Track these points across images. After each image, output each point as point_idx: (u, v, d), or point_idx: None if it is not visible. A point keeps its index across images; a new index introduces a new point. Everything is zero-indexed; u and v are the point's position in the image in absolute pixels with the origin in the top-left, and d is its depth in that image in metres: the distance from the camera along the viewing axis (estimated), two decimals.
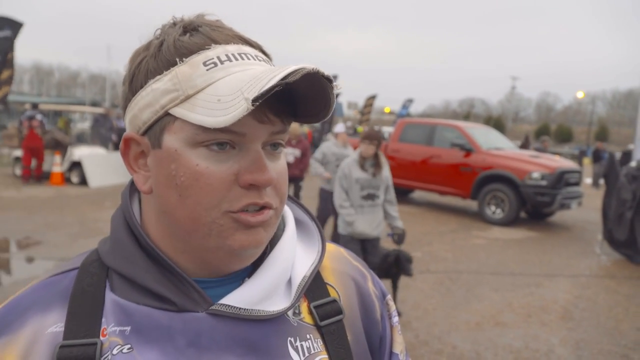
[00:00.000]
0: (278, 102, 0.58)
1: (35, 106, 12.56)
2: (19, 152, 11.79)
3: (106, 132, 13.72)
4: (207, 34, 0.60)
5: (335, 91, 0.58)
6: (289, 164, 6.94)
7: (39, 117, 11.68)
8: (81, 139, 12.49)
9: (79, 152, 11.34)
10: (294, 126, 7.12)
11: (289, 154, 7.22)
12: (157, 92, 0.58)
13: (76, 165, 11.29)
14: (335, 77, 0.61)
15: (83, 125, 17.06)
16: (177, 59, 0.58)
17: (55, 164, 11.22)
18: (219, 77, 0.56)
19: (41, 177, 11.47)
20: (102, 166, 11.43)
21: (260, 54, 0.62)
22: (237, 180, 0.58)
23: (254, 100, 0.51)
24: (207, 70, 0.57)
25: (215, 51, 0.58)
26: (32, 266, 5.52)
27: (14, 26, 6.43)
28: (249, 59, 0.60)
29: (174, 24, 0.62)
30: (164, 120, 0.58)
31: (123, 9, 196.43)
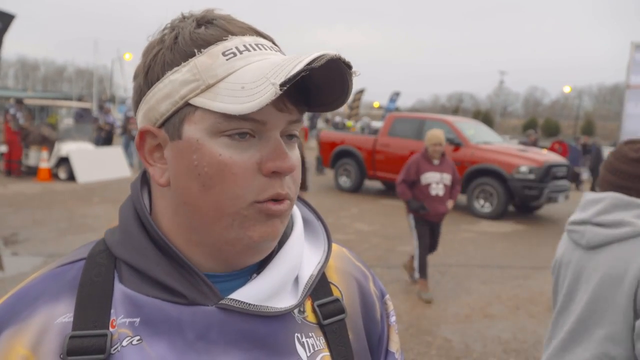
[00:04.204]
0: (295, 90, 0.58)
1: (18, 101, 12.39)
2: (3, 147, 11.66)
3: (90, 127, 13.59)
4: (222, 26, 0.60)
5: (354, 77, 0.58)
6: (437, 198, 4.81)
7: (11, 110, 11.56)
8: (68, 134, 12.33)
9: (67, 148, 11.22)
10: (437, 134, 4.83)
11: (435, 182, 4.83)
12: (175, 83, 0.57)
13: (64, 161, 11.16)
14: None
15: (70, 121, 16.87)
16: (195, 50, 0.58)
17: (43, 160, 11.08)
18: (239, 66, 0.57)
19: (18, 172, 11.32)
20: (90, 161, 11.32)
21: (274, 46, 0.63)
22: (260, 168, 0.58)
23: (282, 85, 0.51)
24: (227, 59, 0.57)
25: (233, 42, 0.58)
26: (19, 262, 5.47)
27: (5, 19, 6.30)
28: (265, 49, 0.60)
29: (184, 18, 0.62)
30: (183, 111, 0.58)
31: (109, 2, 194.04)
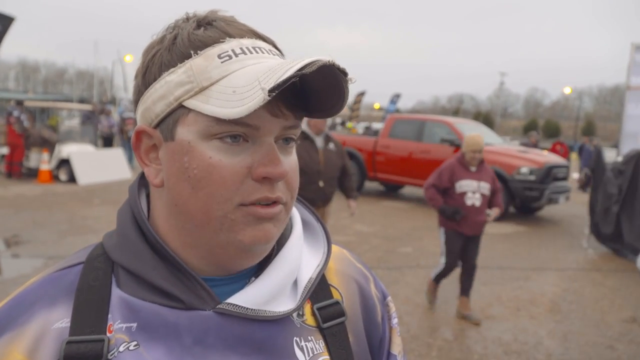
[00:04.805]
0: (291, 95, 0.58)
1: (19, 103, 12.40)
2: (5, 149, 11.68)
3: (94, 129, 13.64)
4: (221, 28, 0.59)
5: (350, 84, 0.58)
6: (473, 209, 4.26)
7: (15, 113, 11.57)
8: (69, 136, 12.35)
9: (67, 149, 11.23)
10: (478, 139, 4.32)
11: (472, 191, 4.28)
12: (171, 84, 0.58)
13: (64, 163, 11.17)
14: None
15: (71, 123, 16.90)
16: (192, 52, 0.58)
17: (43, 162, 11.09)
18: (234, 70, 0.56)
19: (19, 174, 11.33)
20: (91, 163, 11.33)
21: (273, 49, 0.62)
22: (251, 173, 0.58)
23: (271, 90, 0.51)
24: (222, 62, 0.57)
25: (230, 44, 0.58)
26: (20, 264, 5.47)
27: (4, 21, 6.31)
28: (263, 52, 0.59)
29: (187, 19, 0.62)
30: (177, 112, 0.58)
31: (109, 3, 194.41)
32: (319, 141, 4.27)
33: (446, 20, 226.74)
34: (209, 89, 0.56)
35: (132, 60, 38.42)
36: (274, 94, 0.51)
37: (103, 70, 58.67)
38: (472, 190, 4.29)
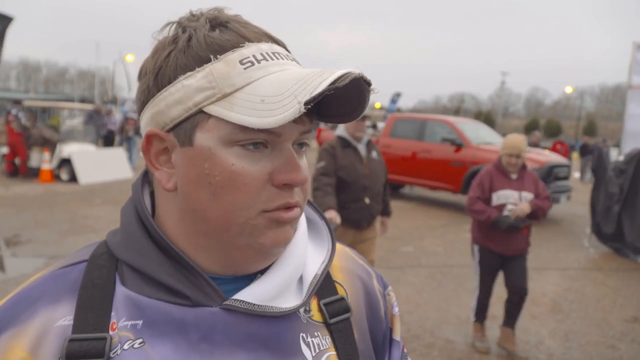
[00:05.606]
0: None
1: (16, 102, 12.42)
2: (5, 149, 11.69)
3: (99, 129, 13.66)
4: (237, 31, 0.59)
5: (372, 94, 0.59)
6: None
7: (13, 111, 11.58)
8: (70, 136, 12.35)
9: (69, 149, 11.23)
10: (517, 142, 3.66)
11: (512, 202, 3.68)
12: (189, 88, 0.56)
13: (65, 162, 11.18)
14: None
15: (72, 122, 16.92)
16: (211, 56, 0.56)
17: (44, 161, 11.11)
18: (257, 77, 0.56)
19: (25, 173, 11.35)
20: (92, 163, 11.34)
21: (288, 53, 0.62)
22: (271, 179, 0.58)
23: (306, 103, 0.51)
24: (245, 69, 0.56)
25: (250, 49, 0.57)
26: (21, 264, 5.47)
27: (3, 21, 6.32)
28: (282, 58, 0.59)
29: (194, 17, 0.61)
30: (196, 117, 0.57)
31: (111, 4, 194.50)
32: (362, 149, 3.61)
33: (447, 20, 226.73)
34: (232, 95, 0.55)
35: (133, 60, 38.41)
36: (309, 106, 0.51)
37: (104, 70, 58.80)
38: (513, 202, 3.68)
